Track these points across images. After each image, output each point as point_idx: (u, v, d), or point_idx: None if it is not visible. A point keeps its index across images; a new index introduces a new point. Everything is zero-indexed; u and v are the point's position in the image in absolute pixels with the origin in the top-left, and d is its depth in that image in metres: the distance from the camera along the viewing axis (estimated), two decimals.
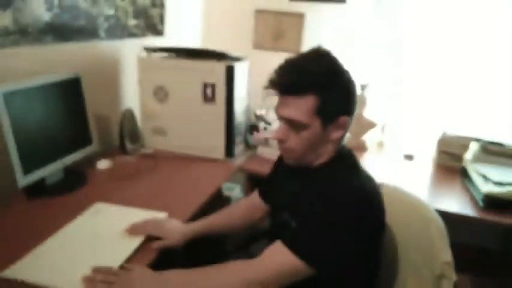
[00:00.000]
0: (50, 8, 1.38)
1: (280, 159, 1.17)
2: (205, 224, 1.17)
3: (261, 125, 1.95)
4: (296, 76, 0.87)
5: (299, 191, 0.99)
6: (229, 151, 1.72)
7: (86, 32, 1.56)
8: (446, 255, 0.95)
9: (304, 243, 0.86)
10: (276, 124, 1.96)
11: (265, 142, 1.84)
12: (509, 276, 1.74)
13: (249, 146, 1.92)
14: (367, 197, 0.90)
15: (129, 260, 0.99)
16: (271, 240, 0.93)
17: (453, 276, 0.94)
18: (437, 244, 0.96)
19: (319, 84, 0.87)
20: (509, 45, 1.93)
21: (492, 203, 1.46)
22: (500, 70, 1.97)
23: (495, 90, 2.01)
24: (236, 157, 1.77)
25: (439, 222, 1.00)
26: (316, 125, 0.90)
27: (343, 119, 0.92)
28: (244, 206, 1.27)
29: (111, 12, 1.68)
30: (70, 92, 1.41)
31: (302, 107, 0.88)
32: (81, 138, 1.47)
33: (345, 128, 0.94)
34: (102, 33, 1.65)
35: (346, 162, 0.99)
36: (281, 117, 0.93)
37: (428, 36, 2.04)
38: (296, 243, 0.86)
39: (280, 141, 0.95)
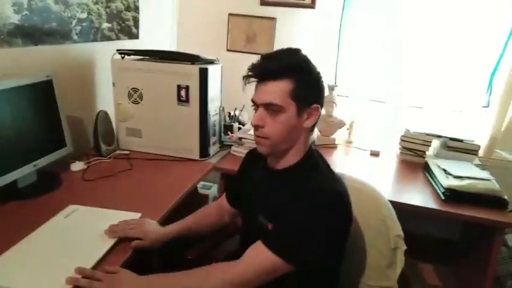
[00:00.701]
0: (18, 10, 1.38)
1: (247, 163, 1.25)
2: (182, 226, 1.21)
3: (235, 125, 2.01)
4: (276, 62, 0.97)
5: (273, 194, 1.04)
6: (204, 151, 1.76)
7: (58, 34, 1.57)
8: (397, 230, 1.17)
9: (282, 242, 0.93)
10: (249, 125, 2.02)
11: (239, 141, 1.89)
12: (469, 265, 1.85)
13: (223, 146, 1.96)
14: (337, 197, 0.96)
15: (102, 261, 0.99)
16: (245, 243, 0.99)
17: (403, 247, 1.18)
18: (389, 222, 1.17)
19: (295, 69, 0.96)
20: (468, 48, 2.06)
21: (452, 196, 1.55)
22: (456, 69, 2.10)
23: (453, 88, 2.14)
24: (211, 157, 1.81)
25: (389, 205, 1.20)
26: (292, 109, 0.97)
27: (315, 107, 1.00)
28: (214, 210, 1.33)
29: (83, 15, 1.69)
30: (42, 94, 1.41)
31: (279, 90, 0.95)
32: (55, 140, 1.47)
33: (316, 116, 1.02)
34: (75, 36, 1.66)
35: (315, 163, 1.05)
36: (260, 104, 0.99)
37: (392, 39, 2.15)
38: (275, 243, 0.92)
39: (258, 127, 1.00)
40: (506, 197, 1.54)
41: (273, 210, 1.00)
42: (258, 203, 1.08)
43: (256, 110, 1.02)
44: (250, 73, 1.00)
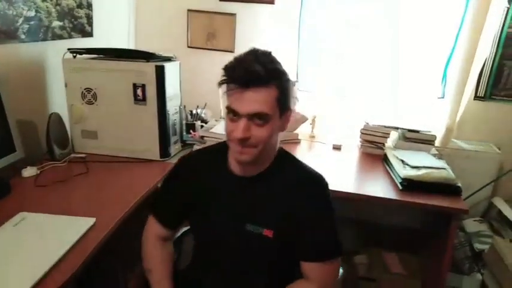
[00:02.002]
0: None
1: (187, 172, 1.12)
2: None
3: (198, 123, 1.98)
4: (261, 67, 0.88)
5: (261, 200, 1.02)
6: (164, 151, 1.72)
7: (2, 34, 1.48)
8: None
9: (328, 245, 1.02)
10: (214, 122, 2.00)
11: (202, 140, 1.87)
12: (430, 252, 1.92)
13: (186, 145, 1.93)
14: (323, 177, 1.05)
15: (52, 270, 0.95)
16: (227, 254, 1.04)
17: None
18: None
19: (279, 75, 0.93)
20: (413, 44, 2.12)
21: (409, 185, 1.59)
22: (411, 62, 2.17)
23: (410, 81, 2.20)
24: (172, 156, 1.78)
25: None
26: (277, 115, 0.94)
27: (290, 111, 0.99)
28: (162, 248, 1.16)
29: (31, 13, 1.61)
30: None
31: (266, 98, 0.90)
32: (3, 145, 1.39)
33: (289, 118, 1.01)
34: (22, 36, 1.58)
35: (289, 156, 1.07)
36: (245, 114, 0.90)
37: (350, 33, 2.19)
38: (327, 251, 1.01)
39: (245, 140, 0.92)
40: (460, 185, 1.60)
41: (271, 216, 1.00)
42: (240, 212, 1.03)
43: (234, 119, 0.92)
44: (227, 79, 0.92)
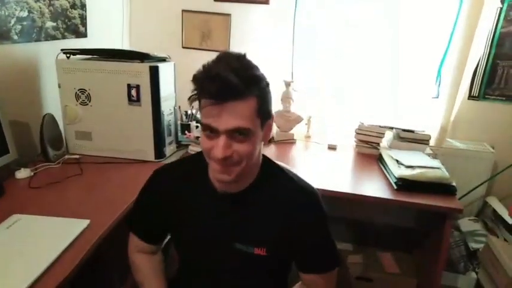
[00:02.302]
0: None
1: (165, 187, 1.02)
2: None
3: (193, 123, 1.97)
4: (236, 78, 0.76)
5: (250, 217, 0.95)
6: (159, 152, 1.72)
7: None
8: None
9: (328, 258, 1.01)
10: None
11: (197, 140, 1.86)
12: (425, 251, 1.93)
13: (181, 145, 1.93)
14: (315, 190, 0.99)
15: (46, 274, 0.94)
16: (213, 273, 1.01)
17: None
18: None
19: (257, 82, 0.82)
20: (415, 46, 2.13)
21: (404, 185, 1.60)
22: (406, 63, 2.17)
23: (404, 81, 2.21)
24: (168, 157, 1.77)
25: None
26: (258, 127, 0.84)
27: (271, 119, 0.90)
28: (154, 261, 1.12)
29: (24, 13, 1.60)
30: None
31: (246, 111, 0.80)
32: None
33: (272, 127, 0.93)
34: (15, 36, 1.57)
35: (275, 167, 0.99)
36: (224, 130, 0.80)
37: (345, 34, 2.19)
38: (326, 262, 1.00)
39: (227, 158, 0.82)
40: (454, 184, 1.61)
41: (262, 234, 0.94)
42: (227, 231, 0.96)
43: (211, 136, 0.82)
44: (199, 93, 0.82)
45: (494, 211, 2.06)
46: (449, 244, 1.92)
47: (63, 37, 1.85)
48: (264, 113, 0.84)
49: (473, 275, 1.92)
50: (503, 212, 1.99)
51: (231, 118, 0.79)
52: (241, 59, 0.82)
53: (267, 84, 0.86)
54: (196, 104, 0.85)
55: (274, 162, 1.01)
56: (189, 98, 0.85)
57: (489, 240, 1.84)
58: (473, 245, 1.95)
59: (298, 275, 1.04)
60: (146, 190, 1.07)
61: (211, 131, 0.81)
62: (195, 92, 0.82)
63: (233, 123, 0.79)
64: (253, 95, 0.80)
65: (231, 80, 0.76)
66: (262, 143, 0.91)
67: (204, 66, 0.81)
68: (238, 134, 0.81)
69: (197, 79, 0.80)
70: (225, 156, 0.81)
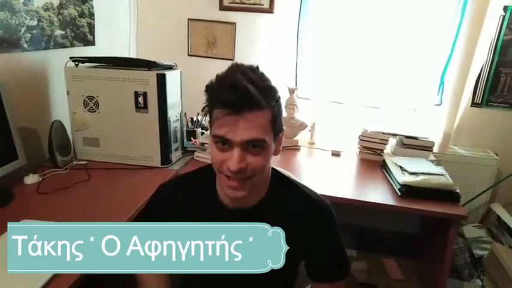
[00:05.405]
0: None
1: (173, 201, 0.99)
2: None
3: (198, 130, 1.99)
4: (254, 87, 0.75)
5: None
6: (165, 158, 1.74)
7: (5, 43, 1.50)
8: None
9: (340, 267, 0.99)
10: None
11: (202, 147, 1.88)
12: (429, 258, 1.93)
13: (187, 152, 1.95)
14: (324, 200, 0.98)
15: (55, 278, 0.95)
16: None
17: None
18: None
19: (274, 96, 0.82)
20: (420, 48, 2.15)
21: (408, 191, 1.60)
22: (409, 70, 2.19)
23: (408, 88, 2.22)
24: (173, 163, 1.79)
25: None
26: (272, 141, 0.83)
27: (283, 131, 0.90)
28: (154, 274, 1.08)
29: (33, 22, 1.64)
30: None
31: (262, 122, 0.79)
32: (6, 153, 1.41)
33: (281, 142, 0.92)
34: (25, 44, 1.60)
35: (285, 181, 0.98)
36: (239, 142, 0.78)
37: (349, 42, 2.21)
38: (336, 273, 0.99)
39: (241, 171, 0.80)
40: (458, 191, 1.61)
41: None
42: None
43: (224, 148, 0.80)
44: (214, 103, 0.79)
45: (499, 218, 2.06)
46: (454, 251, 1.92)
47: (72, 45, 1.89)
48: (277, 126, 0.84)
49: (478, 282, 1.92)
50: (507, 219, 1.99)
51: (247, 129, 0.77)
52: (255, 70, 0.82)
53: (279, 97, 0.85)
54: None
55: (282, 174, 1.01)
56: (202, 110, 0.83)
57: (494, 247, 1.84)
58: (477, 252, 1.95)
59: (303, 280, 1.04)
60: (151, 205, 1.06)
61: (223, 143, 0.79)
62: (208, 102, 0.81)
63: (249, 135, 0.77)
64: (269, 107, 0.79)
65: (251, 90, 0.75)
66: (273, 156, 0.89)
67: (218, 76, 0.80)
68: (252, 146, 0.79)
69: (211, 89, 0.79)
70: (240, 168, 0.79)
